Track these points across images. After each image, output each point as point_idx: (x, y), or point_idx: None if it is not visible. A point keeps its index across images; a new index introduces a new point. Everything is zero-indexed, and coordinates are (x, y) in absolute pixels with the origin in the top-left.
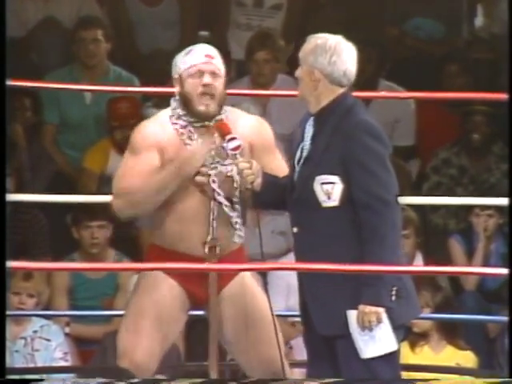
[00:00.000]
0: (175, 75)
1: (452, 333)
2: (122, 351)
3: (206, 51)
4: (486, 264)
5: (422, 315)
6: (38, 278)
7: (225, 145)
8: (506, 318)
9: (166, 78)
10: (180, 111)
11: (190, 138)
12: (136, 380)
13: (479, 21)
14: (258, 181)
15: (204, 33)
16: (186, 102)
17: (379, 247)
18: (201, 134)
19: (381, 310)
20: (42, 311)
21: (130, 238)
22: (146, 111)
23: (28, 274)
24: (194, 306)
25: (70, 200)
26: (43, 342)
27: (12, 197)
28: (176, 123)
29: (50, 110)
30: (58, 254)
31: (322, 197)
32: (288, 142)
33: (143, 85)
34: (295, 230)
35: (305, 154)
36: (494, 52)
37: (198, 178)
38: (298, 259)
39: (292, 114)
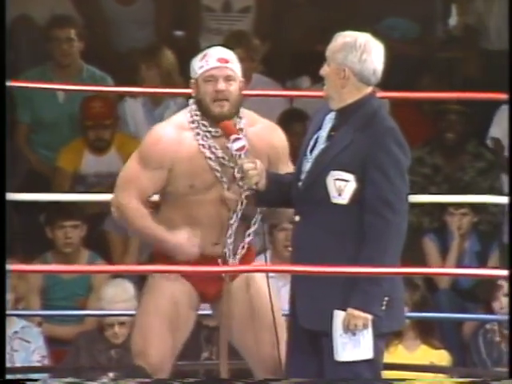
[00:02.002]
0: (192, 79)
1: (427, 332)
2: (136, 352)
3: (220, 55)
4: (460, 263)
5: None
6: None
7: (229, 145)
8: (505, 318)
9: (139, 77)
10: (199, 117)
11: (211, 151)
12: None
13: (454, 20)
14: (263, 181)
15: (179, 32)
16: (201, 106)
17: (379, 253)
18: (221, 147)
19: (369, 316)
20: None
21: (104, 238)
22: (119, 110)
23: None
24: (202, 302)
25: (43, 199)
26: (23, 344)
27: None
28: (197, 131)
29: (23, 110)
30: (32, 254)
31: (332, 192)
32: None
33: (117, 84)
34: (297, 218)
35: (321, 146)
36: (468, 51)
37: (228, 195)
38: (295, 248)
39: (266, 112)
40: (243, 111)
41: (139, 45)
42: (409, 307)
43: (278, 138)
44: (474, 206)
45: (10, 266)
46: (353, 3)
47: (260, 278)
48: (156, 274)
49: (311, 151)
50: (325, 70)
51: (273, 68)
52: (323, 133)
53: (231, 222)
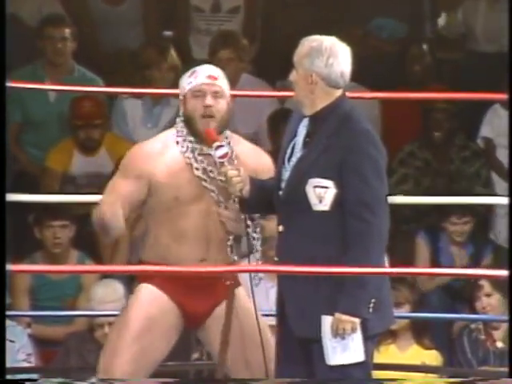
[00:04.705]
0: (180, 96)
1: (421, 331)
2: (102, 366)
3: (209, 72)
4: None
5: (404, 314)
6: None
7: (212, 152)
8: (505, 318)
9: (129, 77)
10: (186, 134)
11: (196, 161)
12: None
13: (442, 20)
14: (247, 188)
15: (168, 32)
16: (188, 123)
17: (363, 256)
18: (208, 162)
19: (357, 320)
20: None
21: (93, 238)
22: (118, 109)
23: None
24: (187, 324)
25: (32, 199)
26: (7, 343)
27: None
28: (183, 145)
29: (13, 109)
30: (20, 255)
31: (313, 200)
32: (251, 142)
33: (106, 85)
34: (281, 228)
35: (298, 154)
36: (456, 51)
37: (223, 212)
38: (280, 258)
39: (255, 113)
40: (231, 135)
41: (129, 45)
42: (411, 305)
43: (263, 156)
44: (474, 213)
45: (9, 266)
46: (342, 3)
47: (246, 299)
48: (139, 289)
49: (289, 159)
50: (293, 76)
51: (262, 68)
52: (299, 140)
53: (229, 243)
